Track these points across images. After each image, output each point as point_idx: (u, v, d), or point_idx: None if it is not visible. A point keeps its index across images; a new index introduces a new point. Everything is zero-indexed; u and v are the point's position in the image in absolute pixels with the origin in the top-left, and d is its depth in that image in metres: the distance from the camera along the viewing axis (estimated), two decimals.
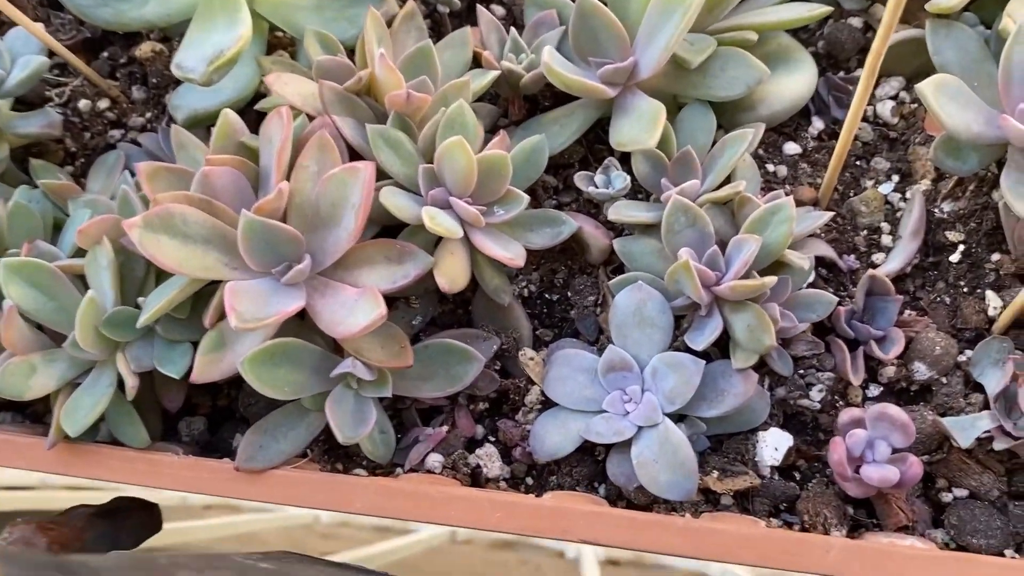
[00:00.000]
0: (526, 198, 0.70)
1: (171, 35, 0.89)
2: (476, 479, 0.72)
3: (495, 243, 0.70)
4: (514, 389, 0.73)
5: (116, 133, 0.87)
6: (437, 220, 0.67)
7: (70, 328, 0.70)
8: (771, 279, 0.63)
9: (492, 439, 0.75)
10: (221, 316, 0.68)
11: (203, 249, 0.66)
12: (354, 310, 0.65)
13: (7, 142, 0.81)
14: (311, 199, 0.68)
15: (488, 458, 0.72)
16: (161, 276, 0.72)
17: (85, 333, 0.67)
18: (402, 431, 0.75)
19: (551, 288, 0.77)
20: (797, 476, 0.71)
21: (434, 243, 0.71)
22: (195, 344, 0.70)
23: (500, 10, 0.88)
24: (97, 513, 0.75)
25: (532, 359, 0.73)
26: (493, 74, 0.74)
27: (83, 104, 0.87)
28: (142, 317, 0.67)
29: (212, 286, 0.69)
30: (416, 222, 0.68)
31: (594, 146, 0.80)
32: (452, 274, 0.68)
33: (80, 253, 0.73)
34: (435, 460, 0.72)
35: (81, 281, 0.72)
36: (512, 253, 0.69)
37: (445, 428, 0.73)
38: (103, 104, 0.87)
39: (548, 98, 0.82)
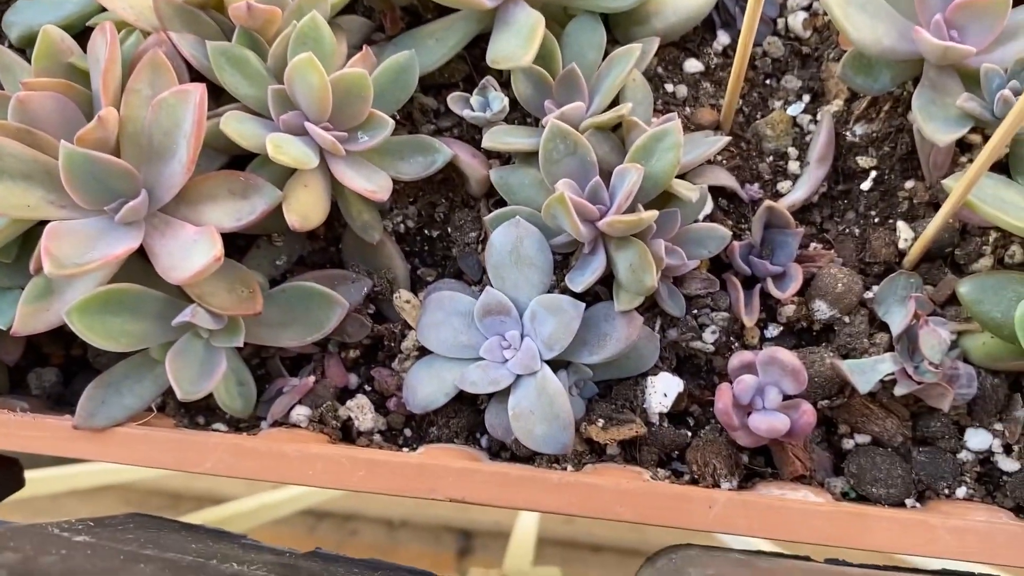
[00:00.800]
0: (390, 122, 0.63)
1: None
2: (348, 433, 0.67)
3: (357, 173, 0.63)
4: (389, 335, 0.67)
5: None
6: (283, 148, 0.60)
7: None
8: (651, 214, 0.57)
9: (368, 389, 0.69)
10: None
11: (24, 186, 0.59)
12: (191, 252, 0.58)
13: None
14: (144, 127, 0.60)
15: (360, 410, 0.67)
16: None
17: None
18: (269, 382, 0.69)
19: (431, 223, 0.70)
20: (690, 422, 0.66)
21: (289, 174, 0.63)
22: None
23: None
24: None
25: (408, 302, 0.67)
26: None
27: None
28: None
29: (43, 226, 0.62)
30: (263, 151, 0.61)
31: (479, 64, 0.72)
32: (304, 210, 0.61)
33: None
34: (301, 413, 0.66)
35: None
36: (375, 185, 0.62)
37: (312, 378, 0.67)
38: None
39: (431, 11, 0.74)
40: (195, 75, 0.64)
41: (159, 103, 0.58)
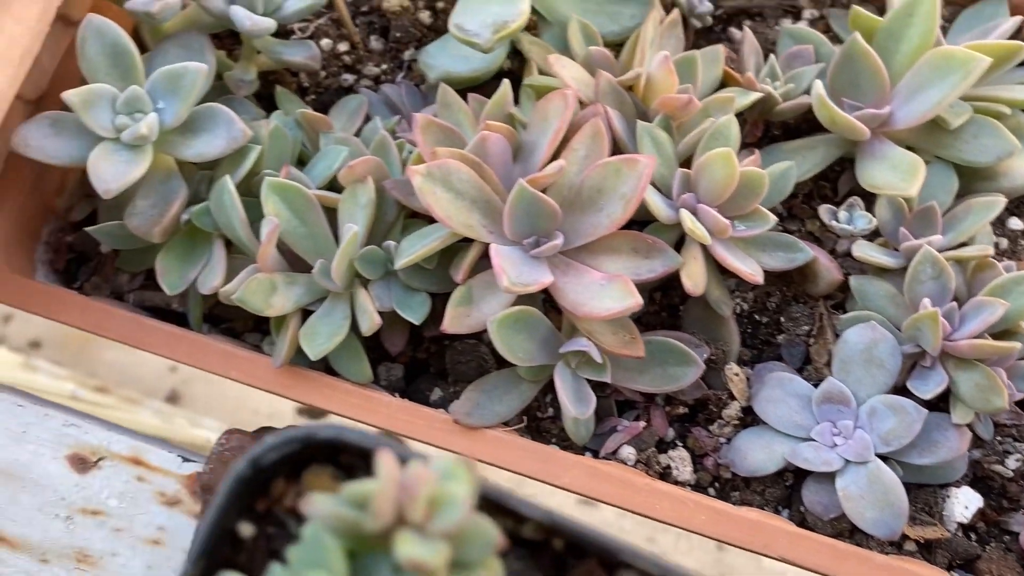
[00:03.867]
0: (773, 219, 0.72)
1: None
2: (664, 479, 0.74)
3: (734, 256, 0.72)
4: (715, 400, 0.75)
5: (349, 77, 0.89)
6: (689, 223, 0.69)
7: (314, 255, 0.72)
8: (1017, 345, 0.65)
9: (679, 443, 0.76)
10: (471, 274, 0.70)
11: (468, 207, 0.69)
12: (600, 294, 0.68)
13: (256, 65, 0.83)
14: (574, 181, 0.70)
15: (681, 461, 0.74)
16: (407, 224, 0.75)
17: (341, 264, 0.69)
18: (598, 420, 0.76)
19: (762, 310, 0.79)
20: (974, 537, 0.73)
21: (675, 246, 0.73)
22: (431, 294, 0.73)
23: (737, 33, 0.90)
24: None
25: (736, 375, 0.75)
26: (755, 95, 0.77)
27: (324, 43, 0.89)
28: (401, 259, 0.69)
29: (461, 243, 0.71)
30: (669, 222, 0.71)
31: (818, 182, 0.82)
32: (696, 277, 0.70)
33: (326, 185, 0.75)
34: (628, 452, 0.74)
35: (328, 213, 0.74)
36: (751, 269, 0.71)
37: (642, 424, 0.75)
38: (342, 47, 0.90)
39: (778, 127, 0.84)
40: (612, 144, 0.74)
41: (604, 165, 0.68)
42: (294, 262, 0.74)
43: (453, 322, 0.68)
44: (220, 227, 0.73)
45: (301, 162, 0.79)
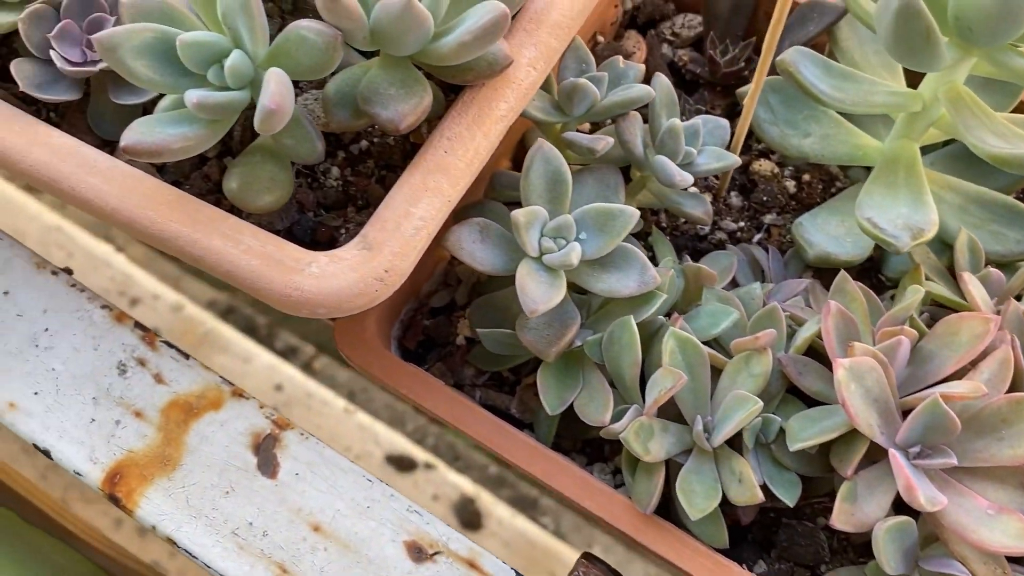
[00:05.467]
0: None
1: (786, 163, 0.94)
2: None
3: None
4: None
5: (705, 227, 0.92)
6: None
7: (692, 410, 0.74)
8: None
9: None
10: (856, 470, 0.71)
11: (870, 406, 0.69)
12: (990, 524, 0.67)
13: (637, 202, 0.87)
14: (973, 403, 0.71)
15: None
16: (784, 399, 0.76)
17: (732, 431, 0.71)
18: None
19: None
20: None
21: None
22: (800, 476, 0.73)
23: None
24: (608, 568, 0.77)
25: None
26: None
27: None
28: (796, 443, 0.70)
29: (848, 434, 0.72)
30: None
31: None
32: None
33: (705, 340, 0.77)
34: None
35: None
36: None
37: None
38: (707, 197, 0.93)
39: None
40: None
41: (1020, 400, 0.69)
42: (664, 408, 0.76)
43: (841, 518, 0.68)
44: (606, 360, 0.75)
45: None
